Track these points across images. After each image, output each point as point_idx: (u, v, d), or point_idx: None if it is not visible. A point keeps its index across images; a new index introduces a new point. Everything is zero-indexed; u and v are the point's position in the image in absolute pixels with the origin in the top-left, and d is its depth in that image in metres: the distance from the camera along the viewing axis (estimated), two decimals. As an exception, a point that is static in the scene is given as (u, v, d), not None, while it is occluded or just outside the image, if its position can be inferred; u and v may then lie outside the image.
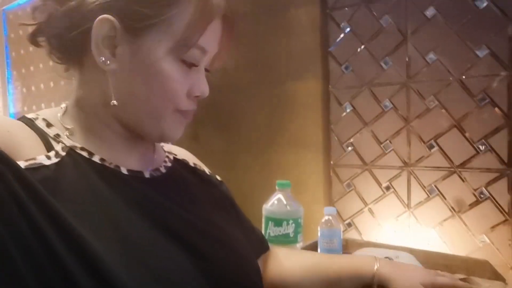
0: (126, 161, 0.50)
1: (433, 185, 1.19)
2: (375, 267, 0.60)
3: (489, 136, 1.10)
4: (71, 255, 0.36)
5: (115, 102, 0.46)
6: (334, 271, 0.63)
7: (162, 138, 0.51)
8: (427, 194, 1.20)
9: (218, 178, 0.67)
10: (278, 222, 0.72)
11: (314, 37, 1.38)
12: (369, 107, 1.30)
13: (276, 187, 0.77)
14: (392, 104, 1.25)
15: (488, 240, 1.10)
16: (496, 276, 0.97)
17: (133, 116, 0.48)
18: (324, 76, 1.38)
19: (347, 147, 1.35)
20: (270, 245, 0.68)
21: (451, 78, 1.15)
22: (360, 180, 1.33)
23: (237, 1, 1.54)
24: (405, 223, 1.24)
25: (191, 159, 0.64)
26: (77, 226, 0.38)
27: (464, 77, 1.13)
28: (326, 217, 0.94)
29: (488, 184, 1.11)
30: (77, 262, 0.37)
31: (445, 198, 1.17)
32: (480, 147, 1.12)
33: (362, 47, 1.29)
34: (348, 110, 1.34)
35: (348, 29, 1.32)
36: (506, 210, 1.08)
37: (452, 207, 1.16)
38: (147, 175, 0.51)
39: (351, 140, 1.34)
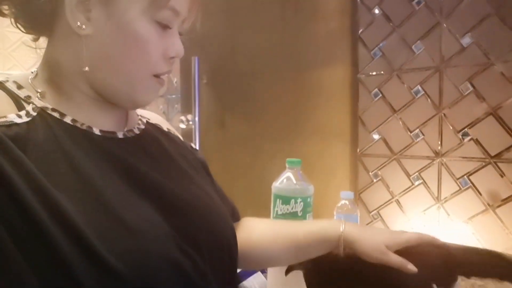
0: (99, 122, 0.50)
1: (465, 177, 1.12)
2: (341, 229, 0.59)
3: (529, 125, 1.02)
4: (45, 212, 0.37)
5: (87, 68, 0.46)
6: (302, 236, 0.63)
7: (135, 104, 0.51)
8: (459, 186, 1.14)
9: (193, 145, 0.67)
10: (286, 200, 0.71)
11: (343, 21, 1.34)
12: (398, 94, 1.24)
13: (286, 165, 0.75)
14: (424, 90, 1.19)
15: (524, 237, 1.02)
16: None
17: (106, 82, 0.48)
18: (353, 62, 1.34)
19: (375, 135, 1.30)
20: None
21: (488, 63, 1.07)
22: (388, 170, 1.28)
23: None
24: (434, 216, 1.18)
25: (165, 124, 0.64)
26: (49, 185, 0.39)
27: (503, 61, 1.04)
28: (343, 201, 0.91)
29: (527, 176, 1.02)
30: (52, 219, 0.37)
31: (478, 191, 1.10)
32: (519, 136, 1.03)
33: (393, 31, 1.24)
34: (377, 98, 1.29)
35: (379, 12, 1.26)
36: (546, 206, 1.00)
37: (486, 201, 1.09)
38: (120, 135, 0.52)
39: (379, 128, 1.29)
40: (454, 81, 1.13)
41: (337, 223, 0.62)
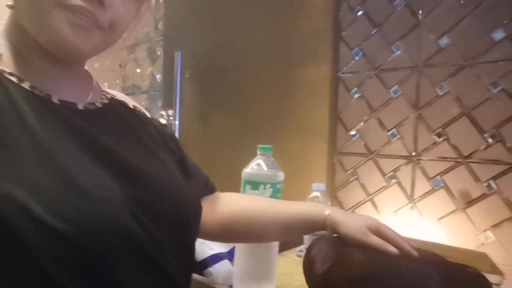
0: (59, 91, 0.49)
1: (438, 176, 1.13)
2: (327, 212, 0.61)
3: (500, 126, 1.03)
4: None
5: (9, 3, 0.45)
6: (287, 214, 0.64)
7: (52, 42, 0.46)
8: (432, 186, 1.14)
9: (162, 122, 0.66)
10: (255, 185, 0.71)
11: (326, 20, 1.35)
12: (377, 94, 1.25)
13: (258, 152, 0.75)
14: (401, 90, 1.20)
15: (493, 237, 1.03)
16: (494, 269, 0.90)
17: (26, 20, 0.46)
18: (334, 60, 1.35)
19: (353, 134, 1.31)
20: (220, 192, 0.69)
21: (464, 64, 1.09)
22: (364, 169, 1.28)
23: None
24: (408, 215, 1.18)
25: (131, 102, 0.63)
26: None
27: (478, 62, 1.06)
28: (314, 193, 0.91)
29: (497, 177, 1.04)
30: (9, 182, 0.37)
31: (450, 191, 1.11)
32: (491, 137, 1.05)
33: (374, 31, 1.25)
34: (356, 96, 1.30)
35: (360, 12, 1.28)
36: (515, 206, 1.01)
37: (457, 201, 1.10)
38: (80, 107, 0.51)
39: (357, 127, 1.30)
40: (431, 82, 1.14)
41: (322, 206, 0.64)
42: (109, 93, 0.59)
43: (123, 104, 0.60)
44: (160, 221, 0.48)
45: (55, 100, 0.48)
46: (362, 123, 1.28)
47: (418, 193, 1.17)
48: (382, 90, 1.24)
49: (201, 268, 0.75)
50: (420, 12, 1.16)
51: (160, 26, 1.92)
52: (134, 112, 0.61)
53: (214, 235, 0.68)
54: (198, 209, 0.58)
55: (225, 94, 1.59)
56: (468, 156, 1.08)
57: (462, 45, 1.09)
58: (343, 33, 1.32)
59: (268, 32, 1.49)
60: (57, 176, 0.41)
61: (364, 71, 1.28)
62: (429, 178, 1.15)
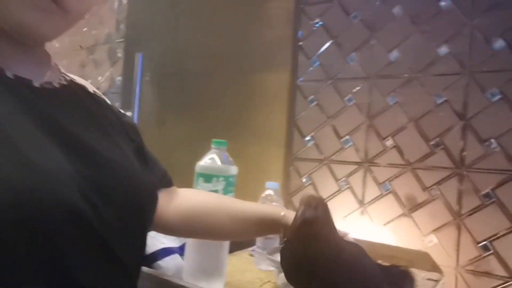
0: (14, 66, 0.47)
1: (387, 182, 1.18)
2: (282, 213, 0.62)
3: (443, 135, 1.10)
4: None
5: None
6: (245, 211, 0.64)
7: (15, 27, 0.45)
8: (381, 191, 1.19)
9: (122, 111, 0.65)
10: (208, 178, 0.71)
11: (287, 30, 1.40)
12: (332, 102, 1.30)
13: (212, 146, 0.75)
14: (355, 99, 1.26)
15: (436, 240, 1.09)
16: (435, 268, 0.95)
17: None
18: (293, 69, 1.39)
19: (308, 140, 1.35)
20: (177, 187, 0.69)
21: (411, 76, 1.16)
22: (319, 174, 1.32)
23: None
24: (358, 219, 1.23)
25: (91, 87, 0.62)
26: None
27: (424, 75, 1.14)
28: (267, 192, 0.93)
29: (440, 183, 1.10)
30: None
31: (398, 196, 1.16)
32: (435, 145, 1.12)
33: (331, 41, 1.31)
34: (312, 104, 1.34)
35: (319, 24, 1.34)
36: (455, 210, 1.07)
37: (404, 205, 1.15)
38: (36, 84, 0.49)
39: (313, 134, 1.34)
40: (381, 92, 1.20)
41: (278, 208, 0.65)
42: (68, 76, 0.58)
43: (82, 88, 0.59)
44: (112, 203, 0.47)
45: (9, 74, 0.46)
46: (317, 130, 1.32)
47: (368, 198, 1.22)
48: (337, 98, 1.29)
49: (150, 261, 0.73)
50: (374, 26, 1.23)
51: (122, 27, 1.90)
52: (93, 96, 0.60)
53: (171, 229, 0.66)
54: (153, 197, 0.57)
55: (184, 97, 1.59)
56: (414, 163, 1.14)
57: (410, 58, 1.16)
58: (302, 42, 1.37)
59: (229, 38, 1.51)
60: (5, 146, 0.39)
61: (320, 80, 1.32)
62: (379, 184, 1.20)
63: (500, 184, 1.01)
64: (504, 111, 1.02)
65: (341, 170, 1.27)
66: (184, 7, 1.62)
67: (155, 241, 0.76)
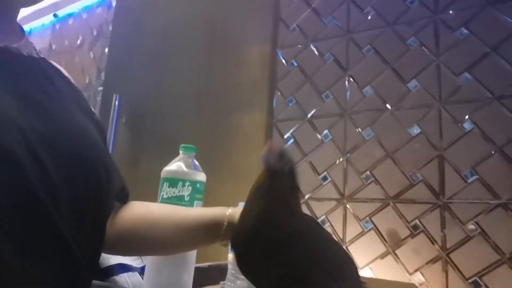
0: None
1: (367, 218, 1.13)
2: (228, 211, 0.57)
3: (421, 166, 1.08)
4: None
5: None
6: (190, 216, 0.58)
7: None
8: (362, 228, 1.14)
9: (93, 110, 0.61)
10: (173, 182, 0.65)
11: (263, 71, 1.43)
12: (309, 139, 1.29)
13: (180, 151, 0.71)
14: (331, 135, 1.25)
15: (423, 278, 1.02)
16: (422, 302, 0.87)
17: None
18: (269, 109, 1.39)
19: (286, 179, 1.30)
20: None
21: (385, 108, 1.17)
22: (297, 214, 1.26)
23: (195, 33, 1.61)
24: (340, 261, 1.15)
25: (66, 74, 0.59)
26: None
27: (396, 108, 1.15)
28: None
29: (422, 216, 1.06)
30: None
31: (379, 232, 1.11)
32: (413, 178, 1.09)
33: (306, 81, 1.33)
34: (289, 142, 1.33)
35: (294, 65, 1.37)
36: (440, 244, 1.02)
37: (387, 242, 1.09)
38: (0, 45, 0.47)
39: (291, 171, 1.30)
40: (357, 126, 1.20)
41: (226, 208, 0.59)
42: (42, 55, 0.55)
43: (56, 68, 0.56)
44: (62, 166, 0.42)
45: None
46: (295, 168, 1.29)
47: (349, 236, 1.15)
48: (313, 135, 1.28)
49: (104, 276, 0.64)
50: (347, 65, 1.26)
51: (102, 76, 1.92)
52: (66, 78, 0.56)
53: (111, 245, 0.58)
54: (107, 176, 0.50)
55: (160, 139, 1.56)
56: (395, 197, 1.10)
57: (383, 93, 1.18)
58: (278, 83, 1.39)
59: (206, 80, 1.53)
60: None
61: (297, 118, 1.32)
62: (359, 220, 1.14)
63: (483, 214, 0.98)
64: (478, 141, 1.02)
65: (321, 207, 1.22)
66: (163, 50, 1.66)
67: (112, 259, 0.68)
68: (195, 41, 1.60)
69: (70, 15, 2.33)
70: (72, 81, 0.58)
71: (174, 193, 0.65)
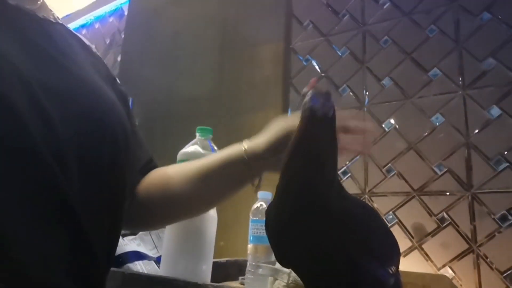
0: None
1: (391, 212, 1.08)
2: (243, 147, 0.54)
3: (446, 157, 1.04)
4: None
5: None
6: (206, 163, 0.55)
7: None
8: (387, 223, 1.08)
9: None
10: (190, 163, 0.62)
11: (276, 69, 1.40)
12: (327, 134, 1.25)
13: (197, 133, 0.68)
14: (350, 129, 1.21)
15: (452, 273, 0.96)
16: (455, 291, 0.81)
17: None
18: (284, 107, 1.36)
19: (304, 176, 1.26)
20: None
21: (406, 99, 1.13)
22: (316, 211, 1.21)
23: (206, 35, 1.61)
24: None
25: (86, 41, 0.56)
26: None
27: (418, 97, 1.11)
28: (259, 203, 0.82)
29: (449, 208, 1.00)
30: None
31: (404, 227, 1.05)
32: (438, 169, 1.04)
33: (322, 76, 1.30)
34: (306, 138, 1.29)
35: (309, 60, 1.35)
36: (470, 237, 0.96)
37: (412, 236, 1.03)
38: (26, 9, 0.45)
39: (308, 168, 1.26)
40: (377, 118, 1.16)
41: (238, 144, 0.55)
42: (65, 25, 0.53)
43: (74, 34, 0.53)
44: (71, 121, 0.38)
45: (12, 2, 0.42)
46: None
47: (372, 232, 1.10)
48: (331, 130, 1.24)
49: (116, 264, 0.60)
50: (362, 58, 1.23)
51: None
52: (85, 45, 0.54)
53: (132, 219, 0.54)
54: (126, 136, 0.47)
55: (172, 141, 1.53)
56: (419, 189, 1.05)
57: (403, 84, 1.14)
58: (293, 80, 1.36)
59: (219, 81, 1.51)
60: None
61: (313, 114, 1.29)
62: (383, 215, 1.09)
63: (516, 203, 0.92)
64: (507, 127, 0.97)
65: (340, 204, 1.17)
66: (175, 54, 1.65)
67: (127, 246, 0.64)
68: (206, 43, 1.59)
69: (83, 26, 2.36)
70: (94, 49, 0.55)
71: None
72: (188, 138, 1.50)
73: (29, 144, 0.34)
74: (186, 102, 1.56)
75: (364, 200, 1.12)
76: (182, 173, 0.55)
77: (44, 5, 0.51)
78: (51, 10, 0.52)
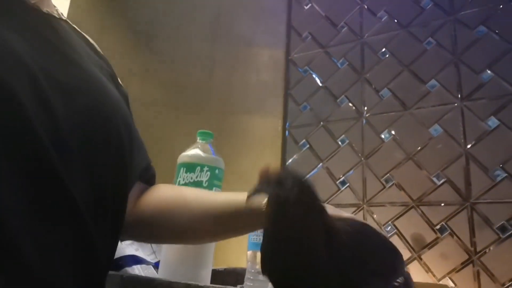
0: None
1: (390, 222, 1.08)
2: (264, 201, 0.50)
3: (444, 167, 1.04)
4: None
5: None
6: (219, 202, 0.51)
7: None
8: (384, 233, 1.08)
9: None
10: (190, 168, 0.61)
11: (275, 77, 1.40)
12: (324, 144, 1.25)
13: (197, 138, 0.67)
14: (348, 139, 1.21)
15: (452, 284, 0.95)
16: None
17: None
18: (283, 115, 1.36)
19: (302, 186, 1.26)
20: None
21: (404, 110, 1.13)
22: (314, 222, 1.20)
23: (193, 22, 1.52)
24: (361, 269, 1.08)
25: (90, 39, 0.56)
26: None
27: (416, 108, 1.12)
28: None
29: (448, 218, 1.00)
30: None
31: (403, 237, 1.05)
32: (436, 179, 1.04)
33: (320, 87, 1.31)
34: (304, 148, 1.29)
35: (308, 71, 1.36)
36: (469, 248, 0.96)
37: (412, 247, 1.03)
38: (29, 2, 0.44)
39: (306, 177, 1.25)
40: (375, 129, 1.17)
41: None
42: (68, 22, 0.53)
43: (78, 31, 0.53)
44: (75, 115, 0.37)
45: None
46: (311, 173, 1.25)
47: (370, 243, 1.09)
48: (329, 140, 1.24)
49: (114, 267, 0.59)
50: (361, 69, 1.25)
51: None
52: (90, 43, 0.53)
53: (131, 229, 0.52)
54: (128, 130, 0.47)
55: (149, 131, 1.51)
56: (418, 200, 1.05)
57: (401, 95, 1.15)
58: (291, 91, 1.37)
59: (211, 75, 1.44)
60: None
61: (311, 124, 1.29)
62: (381, 226, 1.09)
63: (515, 213, 0.92)
64: (505, 138, 0.98)
65: (339, 215, 1.16)
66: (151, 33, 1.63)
67: (126, 249, 0.63)
68: (193, 31, 1.49)
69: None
70: (98, 48, 0.55)
71: (191, 178, 0.61)
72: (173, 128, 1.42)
73: (29, 135, 0.34)
74: (169, 90, 1.45)
75: (362, 210, 1.12)
76: (203, 209, 0.52)
77: (47, 0, 0.51)
78: (54, 6, 0.52)
